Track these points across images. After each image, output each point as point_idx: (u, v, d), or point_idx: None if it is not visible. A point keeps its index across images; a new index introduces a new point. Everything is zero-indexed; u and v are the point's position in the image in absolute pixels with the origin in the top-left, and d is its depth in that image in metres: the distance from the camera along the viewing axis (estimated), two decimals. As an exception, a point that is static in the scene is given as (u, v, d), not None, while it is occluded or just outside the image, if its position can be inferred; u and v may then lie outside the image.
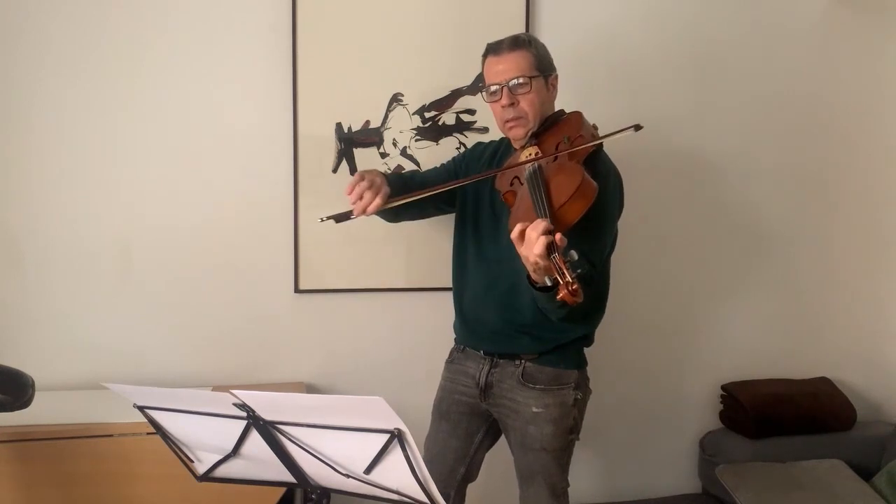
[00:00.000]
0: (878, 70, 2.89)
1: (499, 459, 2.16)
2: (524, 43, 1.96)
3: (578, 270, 1.54)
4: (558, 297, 1.53)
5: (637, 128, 1.82)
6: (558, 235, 1.56)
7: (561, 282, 1.53)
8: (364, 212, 1.86)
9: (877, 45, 2.87)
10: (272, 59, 2.42)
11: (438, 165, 2.27)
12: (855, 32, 2.85)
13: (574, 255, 1.55)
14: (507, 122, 1.96)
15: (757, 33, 2.77)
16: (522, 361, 1.97)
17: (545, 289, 1.65)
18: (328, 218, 1.84)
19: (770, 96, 2.80)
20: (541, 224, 1.58)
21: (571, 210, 1.69)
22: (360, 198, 1.86)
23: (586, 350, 2.06)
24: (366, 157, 2.49)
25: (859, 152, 2.91)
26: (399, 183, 2.04)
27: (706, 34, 2.72)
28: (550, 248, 1.55)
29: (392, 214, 2.08)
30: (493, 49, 1.99)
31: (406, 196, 1.92)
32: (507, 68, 1.93)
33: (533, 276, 1.66)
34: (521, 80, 1.92)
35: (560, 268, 1.53)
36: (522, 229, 1.60)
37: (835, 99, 2.86)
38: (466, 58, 2.49)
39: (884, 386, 2.97)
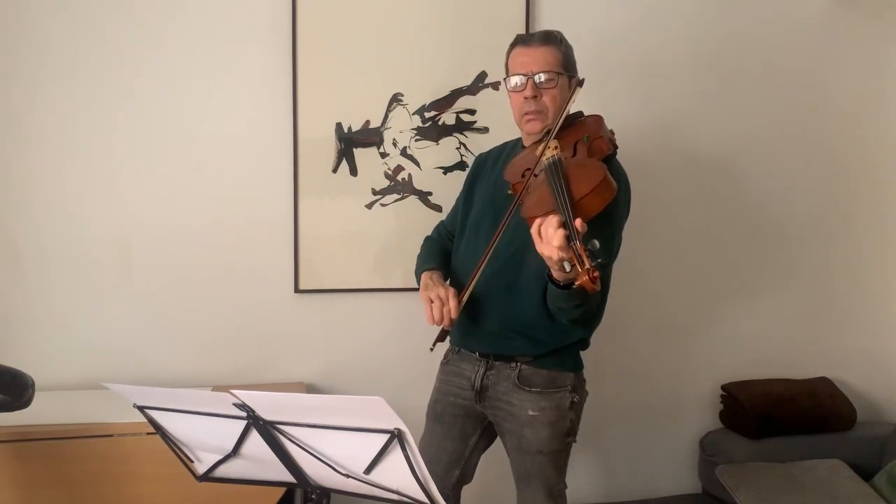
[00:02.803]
0: (884, 71, 2.89)
1: (495, 461, 2.16)
2: (555, 39, 1.96)
3: (599, 259, 1.53)
4: (577, 283, 1.53)
5: (580, 83, 1.89)
6: (578, 221, 1.57)
7: (580, 269, 1.53)
8: (451, 320, 1.90)
9: (881, 44, 2.88)
10: (272, 60, 2.42)
11: (454, 204, 2.26)
12: (857, 31, 2.85)
13: (596, 243, 1.55)
14: (527, 114, 1.95)
15: (759, 32, 2.77)
16: (518, 364, 1.96)
17: (568, 285, 1.65)
18: (435, 344, 1.94)
19: (772, 96, 2.80)
20: (554, 218, 1.58)
21: (592, 203, 1.69)
22: (442, 317, 1.90)
23: (584, 352, 2.05)
24: (366, 157, 2.49)
25: (862, 153, 2.91)
26: (443, 264, 2.10)
27: (707, 34, 2.72)
28: (570, 236, 1.55)
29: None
30: (522, 40, 1.98)
31: (471, 280, 1.92)
32: (535, 61, 1.92)
33: (555, 273, 1.66)
34: (547, 75, 1.91)
35: (580, 255, 1.53)
36: (540, 224, 1.60)
37: (839, 99, 2.86)
38: (466, 58, 2.50)
39: (884, 386, 2.97)
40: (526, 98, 1.93)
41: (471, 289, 1.92)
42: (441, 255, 2.14)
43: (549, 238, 1.57)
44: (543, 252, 1.61)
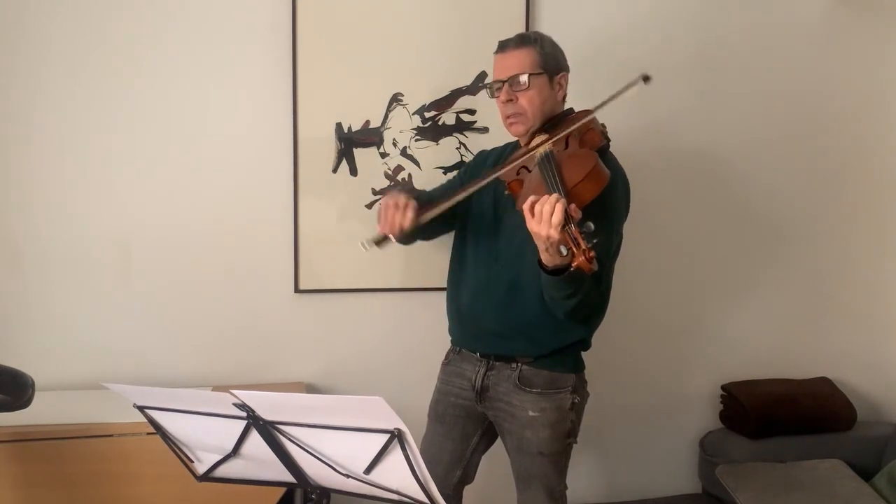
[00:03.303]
0: (883, 69, 2.89)
1: (497, 461, 2.16)
2: (530, 40, 1.97)
3: (595, 240, 1.54)
4: (574, 264, 1.53)
5: (646, 79, 1.85)
6: (573, 206, 1.57)
7: (576, 251, 1.53)
8: (401, 229, 1.85)
9: (880, 43, 2.88)
10: (272, 60, 2.42)
11: (444, 183, 2.26)
12: (856, 31, 2.86)
13: (591, 225, 1.55)
14: (508, 118, 1.97)
15: (759, 32, 2.77)
16: (519, 365, 1.96)
17: (557, 272, 1.65)
18: (368, 242, 1.84)
19: (771, 96, 2.80)
20: (552, 197, 1.58)
21: (585, 190, 1.69)
22: (394, 219, 1.85)
23: (585, 353, 2.05)
24: (366, 157, 2.49)
25: (862, 153, 2.91)
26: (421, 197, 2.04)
27: (707, 33, 2.72)
28: (565, 219, 1.55)
29: (406, 236, 2.01)
30: (500, 46, 2.00)
31: (435, 207, 1.89)
32: (510, 65, 1.94)
33: (544, 256, 1.66)
34: (520, 78, 1.92)
35: (575, 238, 1.54)
36: (534, 202, 1.60)
37: (838, 100, 2.86)
38: (466, 58, 2.50)
39: (884, 386, 2.97)
40: (503, 102, 1.95)
41: (434, 213, 1.88)
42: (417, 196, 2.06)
43: (545, 215, 1.57)
44: (534, 229, 1.60)
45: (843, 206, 2.91)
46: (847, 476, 2.58)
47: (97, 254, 2.36)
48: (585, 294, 1.76)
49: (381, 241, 1.85)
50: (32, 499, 2.03)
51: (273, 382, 2.47)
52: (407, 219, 1.84)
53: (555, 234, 1.56)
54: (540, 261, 1.69)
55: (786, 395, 2.75)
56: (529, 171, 1.87)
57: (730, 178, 2.81)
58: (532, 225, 1.61)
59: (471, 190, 1.92)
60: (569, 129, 1.88)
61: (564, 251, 1.59)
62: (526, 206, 1.61)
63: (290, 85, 2.42)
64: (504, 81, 1.94)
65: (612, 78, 2.58)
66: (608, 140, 1.95)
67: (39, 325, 2.34)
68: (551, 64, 1.97)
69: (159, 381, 2.34)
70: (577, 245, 1.54)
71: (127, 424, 2.04)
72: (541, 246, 1.64)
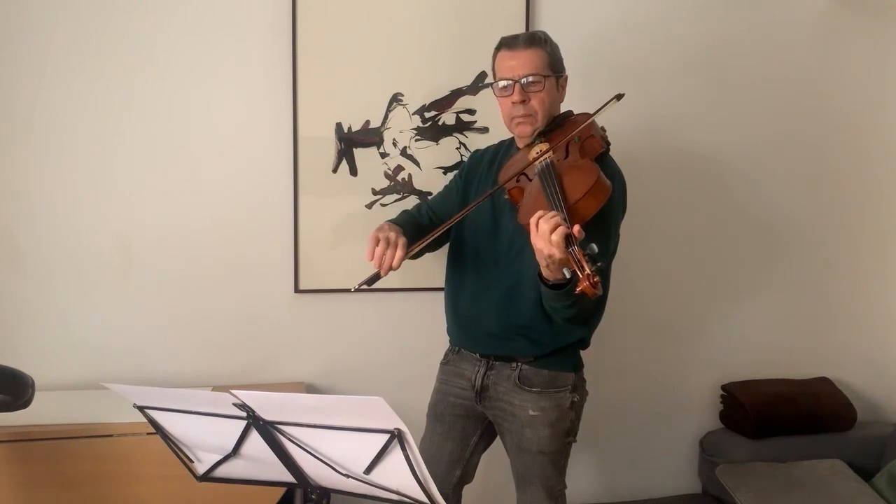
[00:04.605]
0: (883, 69, 2.89)
1: (496, 461, 2.16)
2: (540, 41, 1.94)
3: (598, 263, 1.53)
4: (578, 289, 1.53)
5: (619, 97, 1.84)
6: (576, 227, 1.56)
7: (581, 274, 1.52)
8: (391, 268, 1.84)
9: (880, 43, 2.88)
10: (272, 59, 2.42)
11: (442, 189, 2.25)
12: (856, 31, 2.85)
13: (594, 247, 1.55)
14: (516, 118, 1.94)
15: (758, 32, 2.76)
16: (518, 364, 1.96)
17: (558, 285, 1.64)
18: (360, 285, 1.82)
19: (771, 96, 2.80)
20: (552, 216, 1.57)
21: (587, 205, 1.69)
22: (383, 258, 1.84)
23: (584, 352, 2.05)
24: (366, 157, 2.49)
25: (862, 153, 2.91)
26: (410, 226, 2.03)
27: (707, 34, 2.72)
28: (568, 240, 1.55)
29: (412, 256, 2.02)
30: (507, 43, 1.96)
31: (424, 239, 1.90)
32: (522, 64, 1.91)
33: (545, 271, 1.65)
34: (534, 78, 1.90)
35: (579, 260, 1.53)
36: (539, 217, 1.59)
37: (838, 99, 2.86)
38: (466, 58, 2.50)
39: (884, 386, 2.97)
40: (514, 103, 1.92)
41: (421, 246, 1.90)
42: (411, 225, 2.06)
43: (545, 233, 1.57)
44: (538, 245, 1.60)
45: (842, 205, 2.91)
46: (847, 476, 2.58)
47: (97, 254, 2.36)
48: (585, 302, 1.76)
49: (371, 281, 1.84)
50: (32, 499, 2.03)
51: (273, 382, 2.47)
52: (397, 258, 1.83)
53: (558, 253, 1.56)
54: (540, 274, 1.69)
55: (786, 395, 2.75)
56: (530, 180, 1.86)
57: (730, 178, 2.81)
58: (535, 241, 1.60)
59: (464, 213, 1.90)
60: (569, 136, 1.86)
61: (568, 273, 1.58)
62: (532, 222, 1.61)
63: (290, 85, 2.42)
64: (516, 81, 1.92)
65: (611, 78, 2.62)
66: (608, 144, 1.94)
67: (39, 325, 2.34)
68: (557, 65, 1.96)
69: (159, 381, 2.34)
70: (581, 269, 1.52)
71: (127, 424, 2.04)
72: (542, 262, 1.64)
